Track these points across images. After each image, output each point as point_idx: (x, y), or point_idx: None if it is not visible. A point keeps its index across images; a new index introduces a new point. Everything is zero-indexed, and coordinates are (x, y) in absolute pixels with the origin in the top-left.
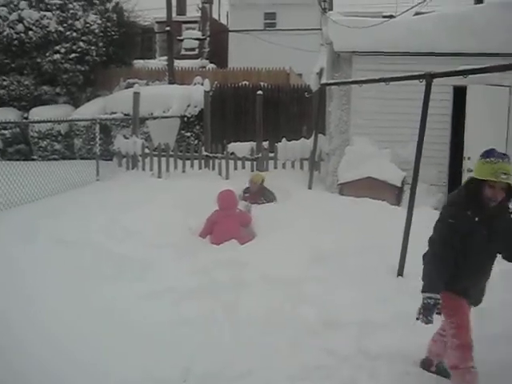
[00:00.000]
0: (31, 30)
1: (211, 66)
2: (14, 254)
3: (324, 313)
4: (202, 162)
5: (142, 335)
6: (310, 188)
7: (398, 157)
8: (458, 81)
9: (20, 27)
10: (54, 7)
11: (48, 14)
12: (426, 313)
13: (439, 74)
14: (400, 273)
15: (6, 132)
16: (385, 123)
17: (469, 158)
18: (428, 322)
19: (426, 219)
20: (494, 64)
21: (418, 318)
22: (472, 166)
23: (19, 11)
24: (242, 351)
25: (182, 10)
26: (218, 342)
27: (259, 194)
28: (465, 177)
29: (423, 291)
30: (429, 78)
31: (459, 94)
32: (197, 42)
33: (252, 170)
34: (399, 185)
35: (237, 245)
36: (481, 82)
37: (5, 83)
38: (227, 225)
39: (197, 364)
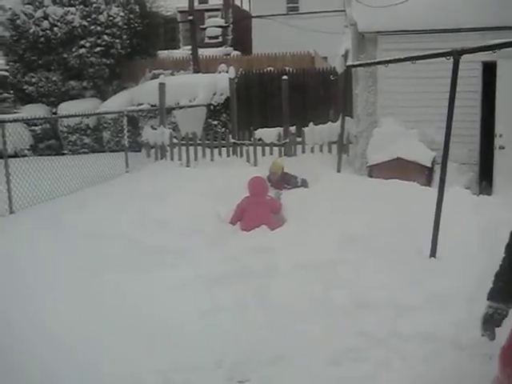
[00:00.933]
0: (56, 26)
1: (235, 53)
2: (45, 248)
3: (355, 295)
4: (230, 149)
5: (175, 324)
6: (338, 171)
7: (426, 136)
8: (487, 56)
9: (45, 24)
10: (77, 2)
11: (72, 9)
12: (485, 326)
13: (467, 51)
14: (432, 254)
15: (36, 128)
16: (412, 103)
17: (500, 136)
18: (490, 337)
19: (458, 199)
20: None
21: (483, 335)
22: (504, 144)
23: (44, 8)
24: (275, 337)
25: None
26: (251, 328)
27: (282, 181)
28: (496, 154)
29: (487, 299)
30: (456, 54)
31: (489, 70)
32: (220, 29)
33: (280, 156)
34: (429, 165)
35: (267, 231)
36: (511, 56)
37: (33, 80)
38: (257, 211)
39: (230, 351)
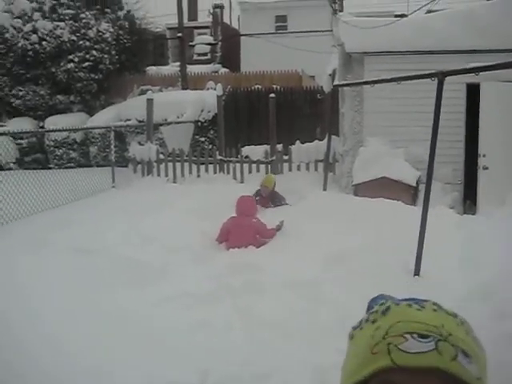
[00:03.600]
0: (45, 40)
1: (224, 70)
2: (28, 263)
3: (340, 313)
4: (217, 166)
5: (157, 340)
6: (324, 189)
7: (412, 156)
8: (470, 78)
9: (34, 38)
10: (67, 17)
11: (61, 24)
12: None
13: (451, 72)
14: (416, 272)
15: (22, 142)
16: (398, 123)
17: (484, 156)
18: None
19: (442, 218)
20: (507, 60)
21: None
22: (487, 164)
23: (33, 22)
24: (259, 354)
25: (193, 16)
26: (235, 345)
27: (269, 198)
28: (480, 174)
29: None
30: (440, 76)
31: (473, 92)
32: (209, 46)
33: (267, 173)
34: (414, 184)
35: (253, 249)
36: (494, 78)
37: (21, 93)
38: (242, 233)
39: (214, 368)
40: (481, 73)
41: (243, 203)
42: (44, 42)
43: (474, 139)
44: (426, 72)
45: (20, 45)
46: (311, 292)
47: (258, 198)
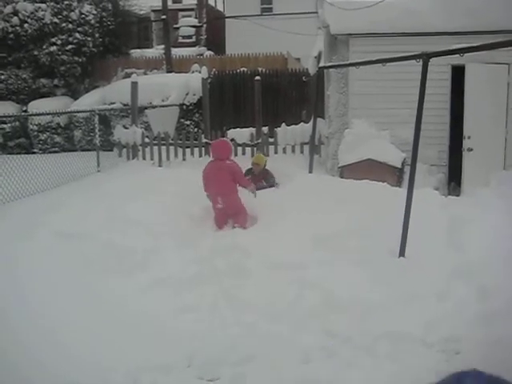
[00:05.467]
0: (26, 22)
1: (209, 53)
2: (15, 249)
3: (326, 295)
4: (203, 149)
5: (144, 324)
6: (310, 172)
7: (397, 138)
8: (455, 60)
9: (15, 20)
10: None
11: (43, 5)
12: None
13: (435, 54)
14: (402, 253)
15: (5, 126)
16: (383, 105)
17: (469, 137)
18: None
19: (427, 199)
20: (491, 41)
21: None
22: (472, 145)
23: (14, 4)
24: (245, 337)
25: None
26: (221, 328)
27: (261, 176)
28: (465, 156)
29: None
30: (425, 57)
31: (458, 73)
32: (193, 29)
33: (252, 156)
34: (399, 166)
35: (239, 231)
36: (479, 60)
37: (2, 77)
38: (217, 177)
39: (200, 350)
40: (466, 54)
41: (216, 147)
42: (25, 25)
43: (460, 121)
44: (411, 54)
45: (0, 27)
46: (297, 274)
47: (249, 177)
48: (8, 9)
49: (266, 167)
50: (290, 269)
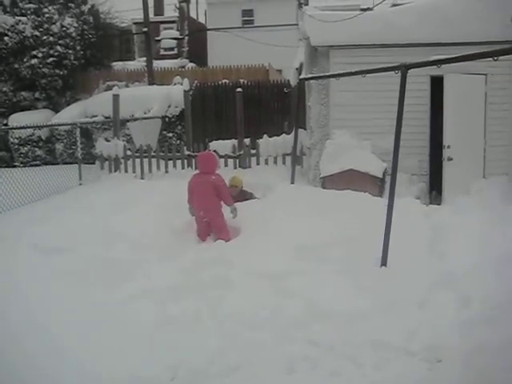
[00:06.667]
0: (7, 35)
1: (191, 65)
2: None
3: (308, 305)
4: (185, 161)
5: (128, 336)
6: (292, 183)
7: (378, 148)
8: (434, 71)
9: None
10: (29, 12)
11: (23, 18)
12: None
13: (414, 65)
14: (383, 263)
15: None
16: (364, 115)
17: (448, 147)
18: None
19: (408, 209)
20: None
21: None
22: (452, 155)
23: None
24: (229, 347)
25: (159, 11)
26: (205, 339)
27: (240, 198)
28: (445, 165)
29: None
30: (404, 68)
31: (436, 84)
32: (175, 41)
33: (235, 168)
34: (380, 176)
35: (222, 243)
36: (457, 71)
37: None
38: (200, 191)
39: (184, 362)
40: (444, 65)
41: (201, 160)
42: (6, 38)
43: (439, 131)
44: (391, 65)
45: None
46: (280, 284)
47: None
48: None
49: (244, 188)
50: (273, 279)
